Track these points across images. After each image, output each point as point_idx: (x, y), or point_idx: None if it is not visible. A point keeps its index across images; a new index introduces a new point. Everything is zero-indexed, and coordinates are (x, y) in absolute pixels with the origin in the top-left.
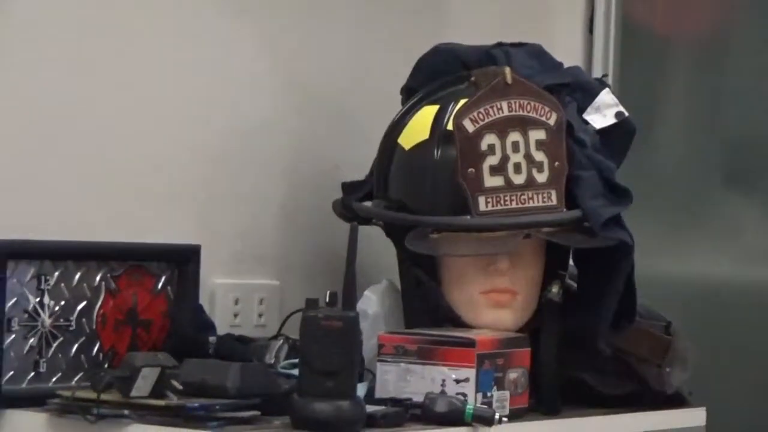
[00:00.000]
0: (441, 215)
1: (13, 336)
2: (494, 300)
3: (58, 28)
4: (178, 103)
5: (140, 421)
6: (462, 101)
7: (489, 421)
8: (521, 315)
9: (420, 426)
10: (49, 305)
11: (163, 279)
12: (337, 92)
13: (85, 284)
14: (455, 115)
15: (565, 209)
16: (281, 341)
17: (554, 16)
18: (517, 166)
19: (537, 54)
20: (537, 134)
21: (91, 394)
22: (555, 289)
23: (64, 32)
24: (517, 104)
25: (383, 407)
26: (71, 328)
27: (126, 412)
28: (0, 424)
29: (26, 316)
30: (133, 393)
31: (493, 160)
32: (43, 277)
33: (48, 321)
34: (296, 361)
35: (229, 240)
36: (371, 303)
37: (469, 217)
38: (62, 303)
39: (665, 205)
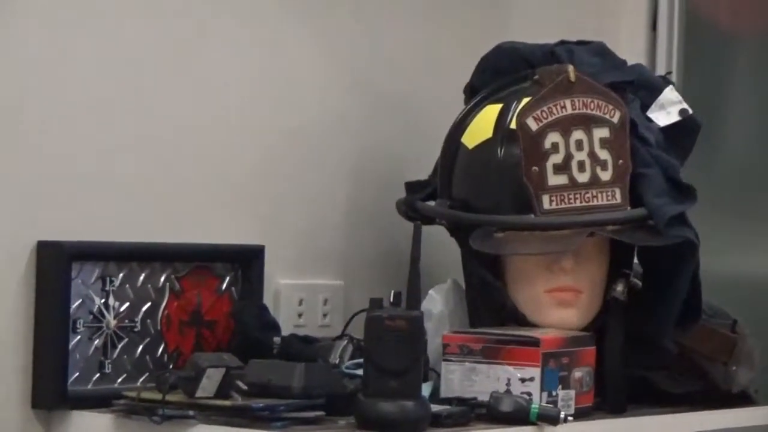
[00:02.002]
0: (505, 214)
1: (79, 337)
2: (559, 299)
3: (126, 32)
4: (242, 104)
5: (205, 422)
6: (525, 100)
7: (554, 420)
8: (586, 314)
9: (485, 425)
10: (113, 306)
11: (227, 279)
12: (400, 92)
13: (149, 285)
14: (519, 113)
15: (629, 207)
16: (345, 341)
17: (617, 14)
18: (581, 165)
19: (600, 52)
20: (601, 132)
21: (157, 395)
22: (620, 287)
23: (129, 36)
24: (581, 102)
25: (448, 407)
26: (136, 329)
27: (191, 412)
28: (66, 424)
29: (91, 317)
30: (198, 393)
31: (556, 158)
32: (107, 279)
33: (113, 322)
34: (361, 361)
35: (293, 240)
36: (435, 302)
37: (533, 215)
38: (127, 304)
39: (730, 202)
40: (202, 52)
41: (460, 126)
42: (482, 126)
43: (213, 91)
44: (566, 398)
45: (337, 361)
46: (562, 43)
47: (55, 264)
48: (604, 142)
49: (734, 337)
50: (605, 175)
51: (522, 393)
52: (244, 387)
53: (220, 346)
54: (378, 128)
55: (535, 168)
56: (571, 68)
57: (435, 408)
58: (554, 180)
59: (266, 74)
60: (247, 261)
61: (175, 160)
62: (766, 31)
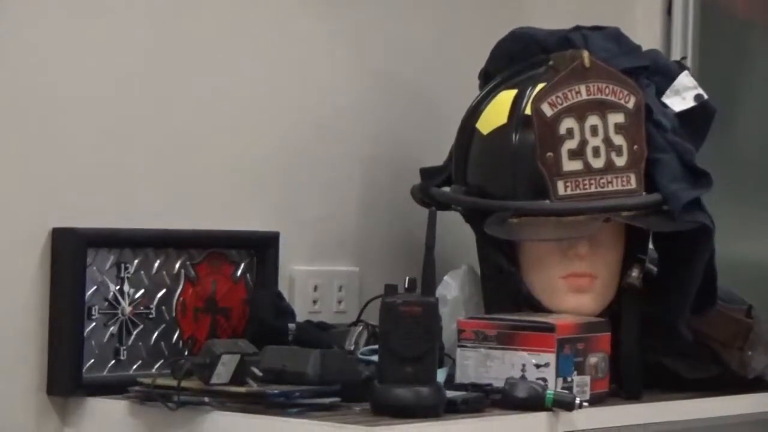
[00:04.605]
0: (520, 200)
1: (94, 324)
2: (574, 284)
3: (144, 25)
4: (259, 92)
5: (220, 409)
6: (540, 85)
7: (569, 406)
8: (601, 299)
9: (500, 411)
10: (129, 293)
11: (242, 266)
12: (415, 78)
13: (164, 272)
14: (533, 99)
15: (644, 193)
16: (361, 327)
17: None
18: (596, 150)
19: (615, 37)
20: (616, 117)
21: (172, 382)
22: (635, 273)
23: (149, 28)
24: (596, 87)
25: (463, 393)
26: (151, 316)
27: (206, 399)
28: (81, 411)
29: (106, 304)
30: (214, 380)
31: (571, 144)
32: (122, 265)
33: (128, 309)
34: (376, 347)
35: (308, 227)
36: (451, 288)
37: (548, 201)
38: (142, 291)
39: (745, 187)
40: (218, 42)
41: (474, 112)
42: (497, 112)
43: (229, 80)
44: (581, 384)
45: (352, 348)
46: (577, 28)
47: (70, 250)
48: (619, 128)
49: (749, 322)
50: (620, 161)
51: (537, 379)
52: (259, 373)
53: (235, 332)
54: (393, 115)
55: (549, 154)
56: (585, 54)
57: (450, 394)
58: (569, 166)
59: (281, 62)
60: (262, 248)
61: (191, 147)
62: None
